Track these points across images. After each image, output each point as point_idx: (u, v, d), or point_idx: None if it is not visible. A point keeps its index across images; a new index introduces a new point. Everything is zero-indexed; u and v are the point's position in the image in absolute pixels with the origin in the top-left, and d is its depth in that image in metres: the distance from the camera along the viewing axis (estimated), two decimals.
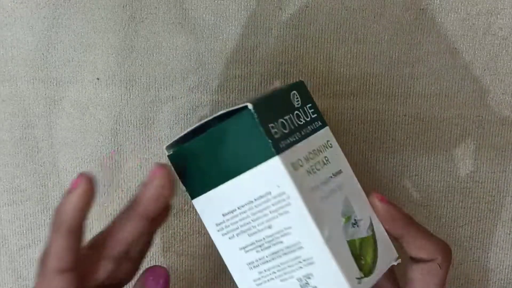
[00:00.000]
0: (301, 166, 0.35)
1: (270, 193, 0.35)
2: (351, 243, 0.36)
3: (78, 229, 0.36)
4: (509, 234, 0.49)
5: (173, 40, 0.46)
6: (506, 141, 0.48)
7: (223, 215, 0.37)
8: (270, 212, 0.35)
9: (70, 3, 0.46)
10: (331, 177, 0.37)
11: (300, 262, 0.36)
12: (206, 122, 0.37)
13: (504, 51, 0.46)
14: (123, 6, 0.46)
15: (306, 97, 0.38)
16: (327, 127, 0.39)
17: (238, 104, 0.35)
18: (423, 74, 0.47)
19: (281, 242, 0.36)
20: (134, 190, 0.48)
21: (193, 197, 0.37)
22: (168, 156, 0.38)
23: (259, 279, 0.37)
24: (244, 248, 0.37)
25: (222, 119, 0.36)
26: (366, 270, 0.36)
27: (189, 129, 0.37)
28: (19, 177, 0.48)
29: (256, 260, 0.37)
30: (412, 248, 0.39)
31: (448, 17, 0.46)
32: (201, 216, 0.37)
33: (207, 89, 0.47)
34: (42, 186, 0.48)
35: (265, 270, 0.37)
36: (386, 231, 0.39)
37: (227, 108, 0.35)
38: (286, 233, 0.35)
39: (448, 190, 0.48)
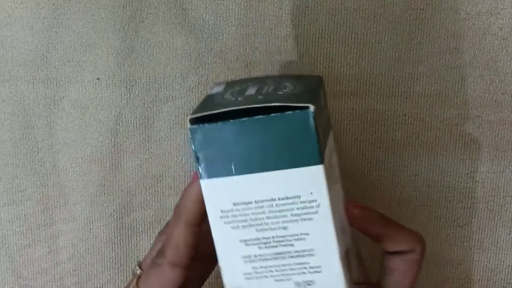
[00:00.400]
0: (329, 175, 0.35)
1: (299, 197, 0.34)
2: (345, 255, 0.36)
3: (196, 223, 0.36)
4: (509, 234, 0.49)
5: (173, 40, 0.46)
6: (506, 141, 0.48)
7: (234, 204, 0.35)
8: (292, 215, 0.35)
9: (70, 3, 0.46)
10: (336, 182, 0.37)
11: (306, 268, 0.35)
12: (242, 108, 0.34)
13: (504, 51, 0.46)
14: (123, 6, 0.46)
15: (325, 96, 0.38)
16: (332, 129, 0.39)
17: (284, 99, 0.34)
18: (423, 74, 0.47)
19: (292, 245, 0.35)
20: (134, 190, 0.48)
21: (203, 178, 0.35)
22: (190, 129, 0.34)
23: (250, 273, 0.36)
24: (245, 241, 0.36)
25: (261, 110, 0.34)
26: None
27: (224, 108, 0.34)
28: (19, 177, 0.48)
29: (255, 256, 0.36)
30: (393, 244, 0.39)
31: (448, 17, 0.46)
32: (205, 198, 0.35)
33: (207, 89, 0.47)
34: (42, 186, 0.48)
35: (261, 267, 0.36)
36: (365, 233, 0.38)
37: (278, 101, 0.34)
38: (301, 238, 0.35)
39: (448, 190, 0.49)
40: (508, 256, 0.49)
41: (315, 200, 0.34)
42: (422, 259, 0.40)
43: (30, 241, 0.49)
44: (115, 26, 0.46)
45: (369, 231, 0.38)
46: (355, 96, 0.47)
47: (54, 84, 0.47)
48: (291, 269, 0.36)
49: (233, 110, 0.34)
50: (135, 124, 0.47)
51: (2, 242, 0.49)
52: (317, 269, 0.35)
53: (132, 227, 0.49)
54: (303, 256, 0.35)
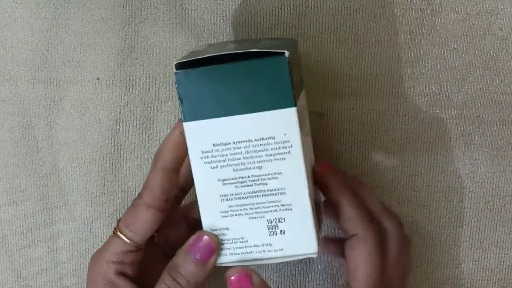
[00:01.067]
0: (301, 120, 0.37)
1: (273, 137, 0.37)
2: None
3: (172, 168, 0.39)
4: (509, 234, 0.49)
5: (173, 40, 0.46)
6: (506, 141, 0.48)
7: (214, 145, 0.37)
8: (266, 155, 0.37)
9: (70, 3, 0.46)
10: (307, 134, 0.41)
11: (278, 206, 0.38)
12: (221, 54, 0.37)
13: (504, 51, 0.46)
14: (123, 6, 0.46)
15: (299, 56, 0.41)
16: (304, 89, 0.42)
17: (261, 48, 0.36)
18: (423, 74, 0.47)
19: (265, 184, 0.38)
20: (134, 190, 0.48)
21: (186, 120, 0.37)
22: (175, 73, 0.37)
23: (226, 211, 0.38)
24: (223, 180, 0.38)
25: (238, 56, 0.36)
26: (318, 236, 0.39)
27: (207, 55, 0.37)
28: (19, 177, 0.48)
29: (231, 194, 0.38)
30: (341, 220, 0.40)
31: (448, 17, 0.46)
32: (187, 139, 0.38)
33: None
34: (42, 186, 0.48)
35: (236, 205, 0.38)
36: (326, 196, 0.41)
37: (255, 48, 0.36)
38: (274, 177, 0.38)
39: (448, 190, 0.48)
40: (508, 256, 0.49)
41: (288, 141, 0.37)
42: (378, 250, 0.39)
43: (30, 241, 0.49)
44: (115, 26, 0.46)
45: (326, 192, 0.40)
46: (355, 96, 0.47)
47: (54, 84, 0.47)
48: (264, 207, 0.38)
49: (215, 57, 0.36)
50: (135, 124, 0.47)
51: (2, 242, 0.49)
52: (288, 207, 0.38)
53: None
54: (275, 194, 0.38)
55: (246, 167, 0.38)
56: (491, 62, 0.47)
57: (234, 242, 0.39)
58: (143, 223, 0.39)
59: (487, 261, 0.50)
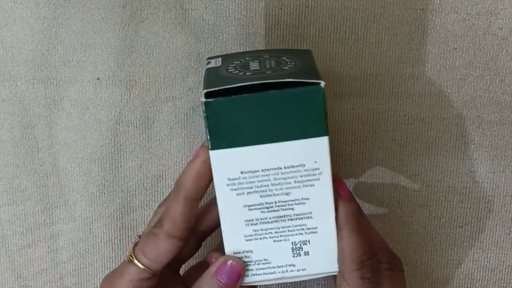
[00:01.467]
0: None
1: (304, 165, 0.37)
2: None
3: (195, 198, 0.38)
4: (509, 234, 0.49)
5: (173, 40, 0.46)
6: (506, 141, 0.48)
7: (242, 172, 0.37)
8: (295, 181, 0.38)
9: (70, 3, 0.46)
10: None
11: (303, 229, 0.38)
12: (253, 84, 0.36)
13: (504, 51, 0.46)
14: (123, 6, 0.46)
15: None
16: None
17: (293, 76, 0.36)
18: (423, 74, 0.47)
19: (292, 209, 0.38)
20: (134, 190, 0.48)
21: (213, 148, 0.37)
22: (204, 102, 0.36)
23: (251, 235, 0.38)
24: (249, 206, 0.38)
25: (270, 86, 0.36)
26: None
27: (240, 84, 0.36)
28: (19, 177, 0.48)
29: (257, 219, 0.38)
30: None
31: (448, 17, 0.46)
32: (213, 167, 0.37)
33: None
34: (42, 186, 0.48)
35: (261, 229, 0.38)
36: None
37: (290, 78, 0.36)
38: (302, 202, 0.38)
39: (448, 190, 0.48)
40: (508, 256, 0.49)
41: (318, 168, 0.37)
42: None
43: (30, 241, 0.49)
44: (115, 26, 0.46)
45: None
46: (355, 96, 0.47)
47: (54, 84, 0.47)
48: (290, 230, 0.38)
49: (242, 84, 0.36)
50: (135, 124, 0.47)
51: (2, 242, 0.49)
52: (314, 230, 0.38)
53: (132, 227, 0.49)
54: (301, 218, 0.38)
55: (274, 194, 0.38)
56: (491, 62, 0.47)
57: (257, 264, 0.39)
58: (163, 252, 0.39)
59: (487, 261, 0.50)
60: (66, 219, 0.49)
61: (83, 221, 0.49)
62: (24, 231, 0.49)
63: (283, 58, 0.39)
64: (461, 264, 0.50)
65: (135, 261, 0.39)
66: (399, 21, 0.46)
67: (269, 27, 0.46)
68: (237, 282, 0.38)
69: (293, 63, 0.38)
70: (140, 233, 0.41)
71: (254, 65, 0.38)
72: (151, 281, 0.40)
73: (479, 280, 0.50)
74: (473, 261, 0.49)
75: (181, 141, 0.48)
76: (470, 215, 0.49)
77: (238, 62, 0.39)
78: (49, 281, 0.49)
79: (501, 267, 0.50)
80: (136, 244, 0.40)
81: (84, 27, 0.46)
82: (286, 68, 0.38)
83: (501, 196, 0.49)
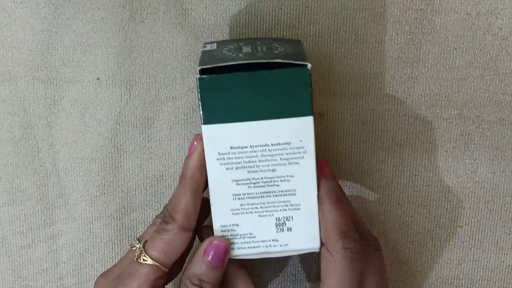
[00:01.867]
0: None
1: (289, 143, 0.39)
2: None
3: (201, 189, 0.40)
4: (509, 234, 0.49)
5: (173, 40, 0.46)
6: (506, 141, 0.48)
7: (231, 147, 0.39)
8: (281, 159, 0.40)
9: (70, 3, 0.46)
10: None
11: (287, 205, 0.40)
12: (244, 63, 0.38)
13: (504, 51, 0.46)
14: (123, 6, 0.46)
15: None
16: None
17: (280, 58, 0.38)
18: (423, 74, 0.47)
19: (277, 185, 0.40)
20: (134, 190, 0.48)
21: (206, 123, 0.39)
22: (198, 78, 0.38)
23: (237, 209, 0.41)
24: (237, 181, 0.40)
25: (262, 66, 0.38)
26: None
27: (232, 62, 0.38)
28: (19, 177, 0.48)
29: (244, 194, 0.40)
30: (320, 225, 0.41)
31: (448, 17, 0.46)
32: (205, 141, 0.39)
33: None
34: (42, 186, 0.48)
35: (248, 204, 0.40)
36: None
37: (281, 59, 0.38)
38: (286, 179, 0.40)
39: (448, 190, 0.49)
40: (508, 256, 0.49)
41: (303, 147, 0.40)
42: (347, 266, 0.40)
43: (30, 241, 0.49)
44: (115, 26, 0.46)
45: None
46: (355, 96, 0.47)
47: (54, 84, 0.47)
48: (274, 206, 0.41)
49: (234, 64, 0.38)
50: (135, 124, 0.47)
51: (2, 242, 0.49)
52: (297, 207, 0.40)
53: (132, 227, 0.49)
54: (286, 195, 0.40)
55: (261, 170, 0.40)
56: (491, 62, 0.47)
57: (243, 237, 0.41)
58: (179, 246, 0.40)
59: (487, 261, 0.50)
60: (66, 219, 0.49)
61: (83, 221, 0.49)
62: (24, 231, 0.49)
63: (274, 45, 0.41)
64: (461, 264, 0.50)
65: (150, 260, 0.40)
66: (399, 21, 0.46)
67: (269, 27, 0.46)
68: (223, 259, 0.40)
69: (283, 49, 0.41)
70: (134, 240, 0.42)
71: (247, 49, 0.41)
72: (165, 277, 0.41)
73: (479, 280, 0.50)
74: (473, 261, 0.50)
75: (181, 141, 0.48)
76: (470, 215, 0.49)
77: (232, 46, 0.42)
78: (49, 281, 0.49)
79: (501, 267, 0.50)
80: (144, 244, 0.40)
81: (84, 27, 0.46)
82: (276, 52, 0.40)
83: (501, 196, 0.49)
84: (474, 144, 0.48)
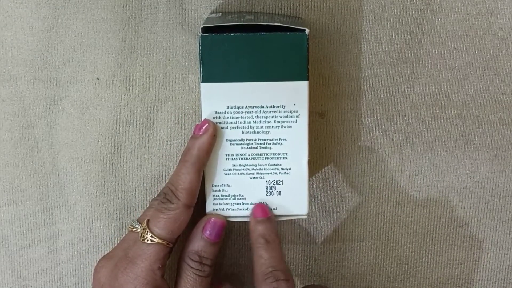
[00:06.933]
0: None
1: (284, 106, 0.41)
2: None
3: (203, 168, 0.42)
4: (509, 234, 0.49)
5: (173, 40, 0.46)
6: (506, 141, 0.48)
7: (228, 107, 0.41)
8: (275, 121, 0.41)
9: (70, 3, 0.46)
10: None
11: (278, 169, 0.42)
12: (245, 24, 0.40)
13: (504, 51, 0.46)
14: (123, 6, 0.46)
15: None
16: None
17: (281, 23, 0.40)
18: (423, 74, 0.47)
19: (270, 148, 0.41)
20: (134, 190, 0.48)
21: (205, 81, 0.41)
22: (200, 36, 0.40)
23: (230, 170, 0.42)
24: (231, 140, 0.42)
25: (261, 28, 0.40)
26: None
27: (233, 23, 0.40)
28: (19, 177, 0.48)
29: (237, 154, 0.42)
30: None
31: (448, 17, 0.46)
32: (202, 99, 0.41)
33: None
34: (42, 186, 0.48)
35: (240, 165, 0.42)
36: None
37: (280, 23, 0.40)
38: (279, 142, 0.41)
39: (448, 190, 0.49)
40: (508, 256, 0.49)
41: (297, 111, 0.41)
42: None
43: (30, 241, 0.49)
44: (115, 26, 0.46)
45: (251, 236, 0.43)
46: (355, 96, 0.47)
47: (54, 84, 0.47)
48: (265, 169, 0.42)
49: (236, 25, 0.40)
50: (135, 124, 0.47)
51: (2, 242, 0.49)
52: (287, 171, 0.42)
53: None
54: (277, 158, 0.42)
55: (254, 131, 0.41)
56: (491, 62, 0.47)
57: (233, 199, 0.42)
58: (184, 223, 0.41)
59: (487, 261, 0.50)
60: (66, 219, 0.49)
61: (83, 221, 0.49)
62: (24, 231, 0.49)
63: (276, 17, 0.43)
64: (461, 264, 0.50)
65: (156, 239, 0.41)
66: (399, 21, 0.46)
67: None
68: (221, 235, 0.42)
69: (284, 19, 0.43)
70: (133, 221, 0.42)
71: (249, 17, 0.42)
72: (169, 254, 0.42)
73: (479, 280, 0.50)
74: (473, 261, 0.50)
75: (181, 141, 0.48)
76: (470, 215, 0.49)
77: (236, 15, 0.43)
78: (49, 281, 0.49)
79: (501, 267, 0.50)
80: (148, 222, 0.41)
81: (84, 27, 0.46)
82: (277, 20, 0.41)
83: (501, 196, 0.49)
84: (474, 144, 0.48)
